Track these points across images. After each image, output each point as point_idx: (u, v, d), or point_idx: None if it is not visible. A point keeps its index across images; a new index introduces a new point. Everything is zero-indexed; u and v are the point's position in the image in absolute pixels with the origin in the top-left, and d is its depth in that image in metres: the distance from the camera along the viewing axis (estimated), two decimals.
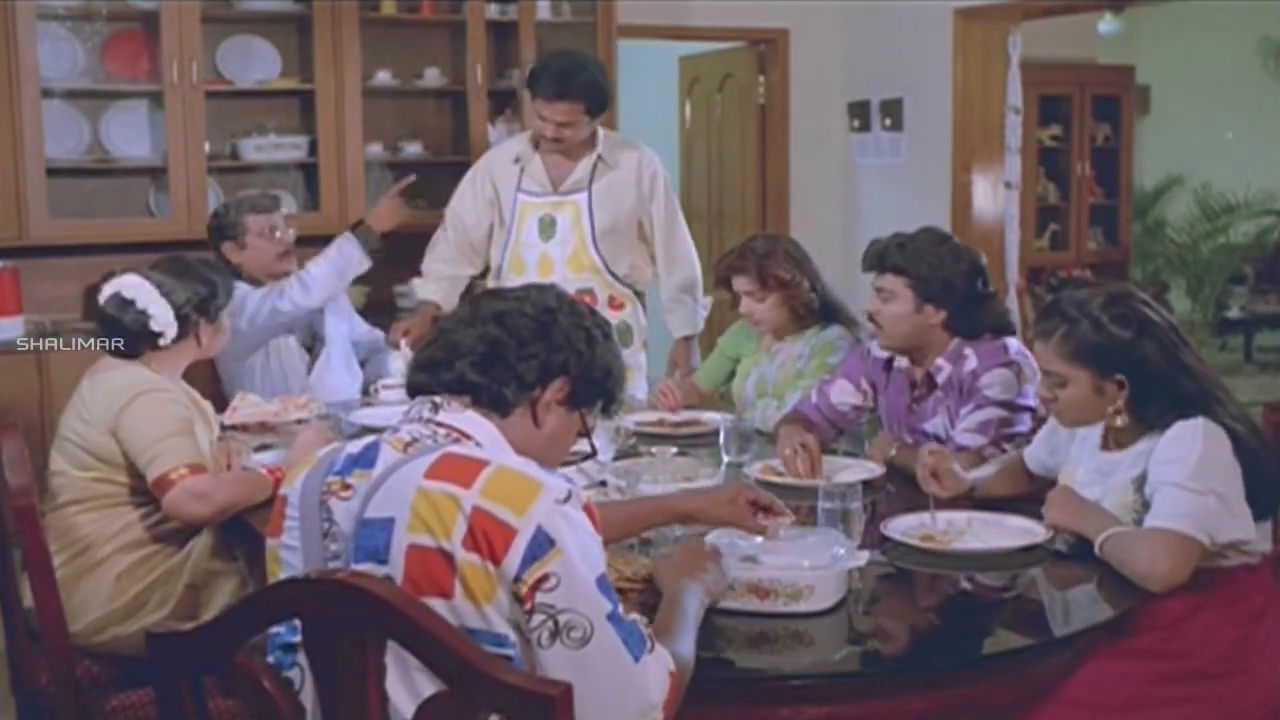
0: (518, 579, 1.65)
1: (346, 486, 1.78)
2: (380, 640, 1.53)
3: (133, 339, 2.90)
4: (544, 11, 5.58)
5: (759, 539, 2.23)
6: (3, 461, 2.54)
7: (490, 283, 4.31)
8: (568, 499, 1.70)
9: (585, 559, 1.68)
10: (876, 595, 2.37)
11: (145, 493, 2.80)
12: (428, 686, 1.60)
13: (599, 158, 4.13)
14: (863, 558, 2.23)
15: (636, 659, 1.68)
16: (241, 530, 2.84)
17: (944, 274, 3.00)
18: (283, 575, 1.80)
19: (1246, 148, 9.16)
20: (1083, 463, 2.50)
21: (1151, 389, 2.35)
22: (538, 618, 1.65)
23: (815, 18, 6.80)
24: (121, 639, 2.73)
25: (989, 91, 6.37)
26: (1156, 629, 2.23)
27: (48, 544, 2.59)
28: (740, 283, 3.61)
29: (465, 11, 5.43)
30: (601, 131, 4.17)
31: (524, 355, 1.88)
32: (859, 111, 6.84)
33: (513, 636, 1.68)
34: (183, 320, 2.93)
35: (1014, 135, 6.43)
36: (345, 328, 4.19)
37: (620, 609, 1.70)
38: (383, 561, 1.69)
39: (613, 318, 4.24)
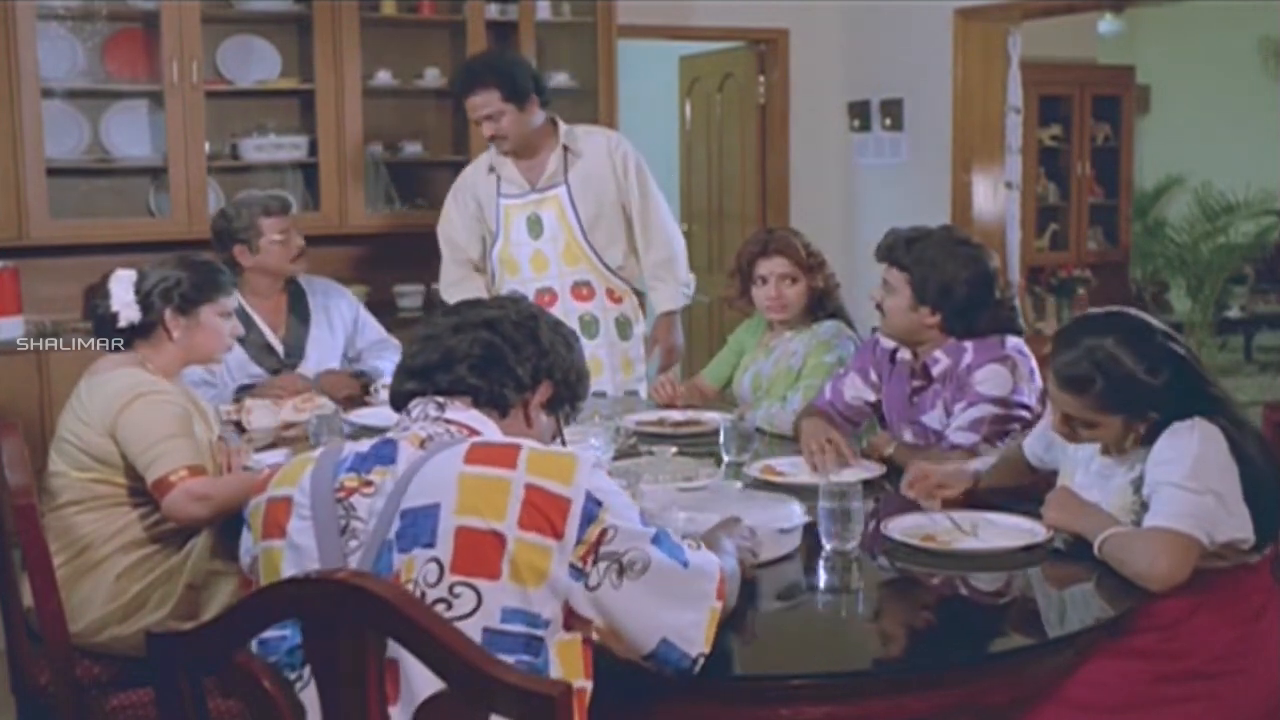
0: (579, 541, 1.76)
1: (368, 483, 1.82)
2: (380, 640, 1.53)
3: (101, 324, 2.90)
4: (544, 11, 5.58)
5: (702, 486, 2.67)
6: (3, 461, 2.54)
7: (482, 284, 4.30)
8: (596, 464, 1.85)
9: (623, 506, 1.83)
10: (877, 595, 2.37)
11: (144, 493, 2.80)
12: None
13: (564, 148, 4.14)
14: (798, 516, 2.43)
15: (685, 565, 1.85)
16: (241, 529, 2.84)
17: (944, 279, 2.99)
18: (290, 573, 1.81)
19: (1246, 148, 9.15)
20: (1081, 466, 2.50)
21: (1176, 414, 2.34)
22: (603, 565, 1.78)
23: (815, 18, 6.80)
24: (121, 639, 2.73)
25: (989, 91, 6.37)
26: (1155, 629, 2.23)
27: (47, 544, 2.59)
28: (777, 264, 3.63)
29: (465, 11, 5.43)
30: (563, 126, 4.19)
31: (520, 358, 2.00)
32: (859, 111, 6.84)
33: (547, 616, 1.74)
34: (147, 306, 2.88)
35: (1014, 135, 6.43)
36: (338, 340, 4.13)
37: (657, 530, 1.86)
38: (429, 545, 1.74)
39: (612, 311, 4.24)
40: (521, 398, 2.00)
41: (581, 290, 4.20)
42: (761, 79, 6.94)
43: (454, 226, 4.29)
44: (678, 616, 1.83)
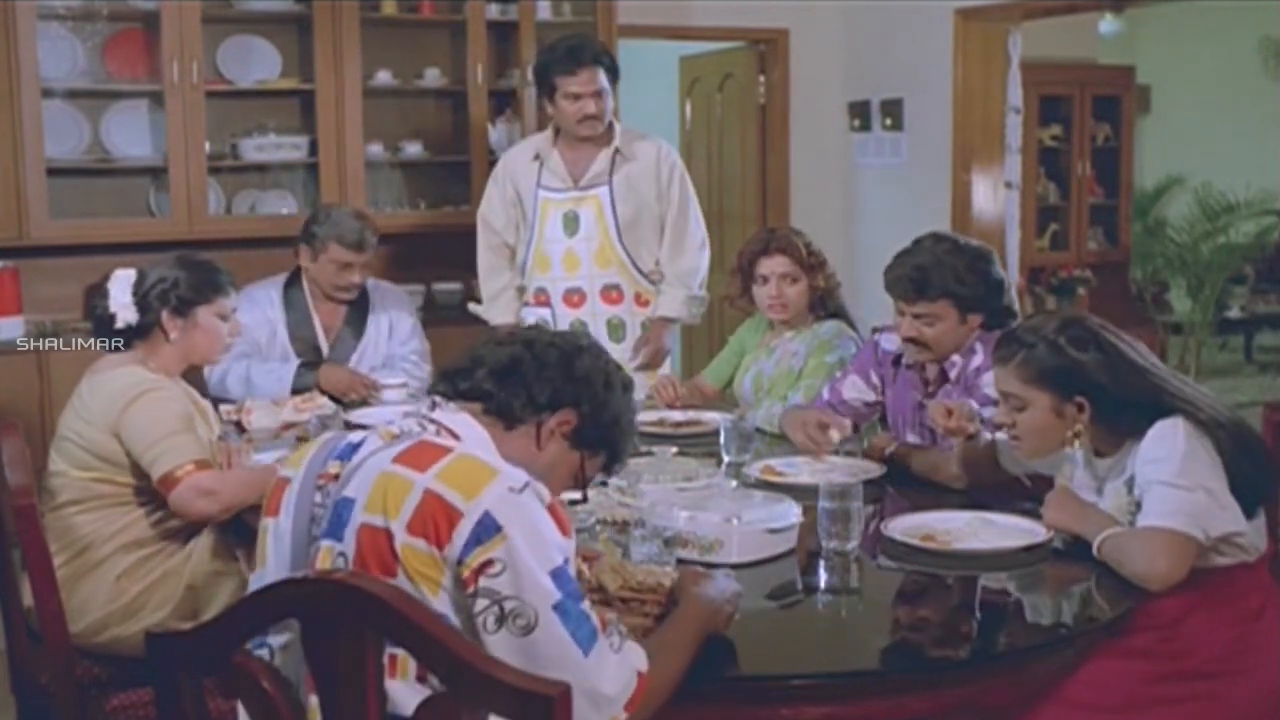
0: (460, 562, 1.67)
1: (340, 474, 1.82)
2: (380, 640, 1.53)
3: (99, 324, 2.92)
4: (544, 11, 5.58)
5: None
6: (3, 461, 2.54)
7: (516, 280, 4.30)
8: (524, 488, 1.72)
9: (535, 547, 1.69)
10: (876, 595, 2.37)
11: (146, 493, 2.80)
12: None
13: (617, 150, 4.16)
14: (792, 516, 2.41)
15: (586, 652, 1.68)
16: (242, 530, 2.84)
17: (983, 283, 3.01)
18: (269, 555, 1.84)
19: (1246, 148, 9.16)
20: (1079, 467, 2.50)
21: (1116, 406, 2.37)
22: (481, 602, 1.67)
23: (815, 18, 6.80)
24: (121, 639, 2.73)
25: (989, 91, 6.36)
26: (1155, 628, 2.23)
27: (48, 544, 2.59)
28: (778, 263, 3.63)
29: (465, 11, 5.43)
30: (618, 127, 4.20)
31: (541, 376, 1.93)
32: (859, 111, 6.84)
33: (454, 619, 1.69)
34: (144, 307, 2.88)
35: (1014, 135, 6.43)
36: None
37: (572, 601, 1.69)
38: (338, 539, 1.74)
39: (639, 314, 4.25)
40: (536, 417, 1.93)
41: (611, 293, 4.21)
42: (761, 79, 6.94)
43: (493, 209, 4.31)
44: None
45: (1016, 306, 3.19)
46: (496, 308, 4.30)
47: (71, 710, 2.57)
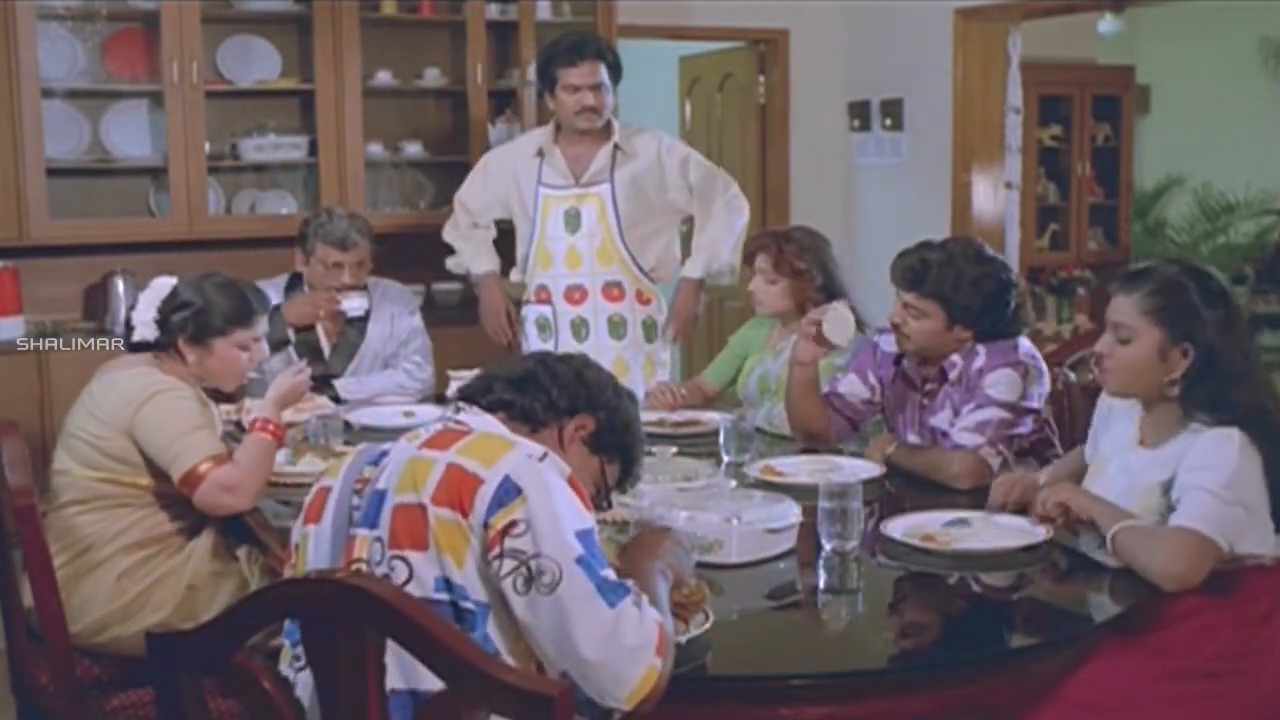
0: (486, 525, 1.73)
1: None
2: (380, 640, 1.53)
3: (125, 331, 2.94)
4: (544, 11, 5.58)
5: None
6: (3, 461, 2.54)
7: (515, 277, 4.30)
8: (543, 458, 1.80)
9: (556, 508, 1.74)
10: (876, 595, 2.37)
11: (150, 494, 2.80)
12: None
13: (616, 146, 4.15)
14: (791, 516, 2.41)
15: (612, 604, 1.71)
16: (242, 530, 2.85)
17: (981, 300, 2.99)
18: (309, 558, 1.89)
19: (1246, 148, 9.14)
20: (1114, 457, 2.47)
21: (1208, 375, 2.32)
22: (508, 563, 1.71)
23: (815, 18, 6.80)
24: (122, 639, 2.73)
25: (989, 91, 6.37)
26: (1158, 628, 2.23)
27: (48, 544, 2.59)
28: (759, 260, 3.68)
29: (465, 11, 5.43)
30: (616, 123, 4.20)
31: (557, 383, 2.01)
32: (859, 111, 6.84)
33: (477, 590, 1.74)
34: (164, 327, 2.89)
35: (1014, 135, 6.43)
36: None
37: (596, 561, 1.72)
38: (374, 526, 1.81)
39: (640, 313, 4.26)
40: (557, 421, 2.00)
41: (612, 290, 4.21)
42: (761, 79, 6.94)
43: (472, 192, 4.31)
44: (587, 657, 1.68)
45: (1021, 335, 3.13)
46: (479, 261, 4.29)
47: (71, 710, 2.57)
